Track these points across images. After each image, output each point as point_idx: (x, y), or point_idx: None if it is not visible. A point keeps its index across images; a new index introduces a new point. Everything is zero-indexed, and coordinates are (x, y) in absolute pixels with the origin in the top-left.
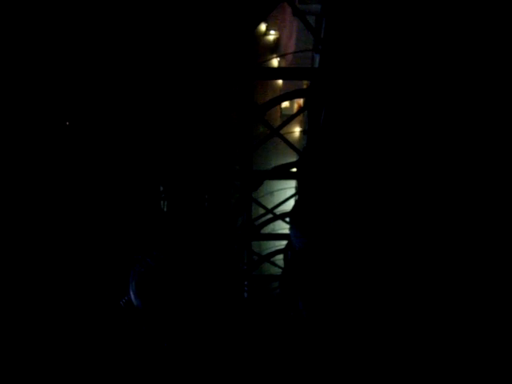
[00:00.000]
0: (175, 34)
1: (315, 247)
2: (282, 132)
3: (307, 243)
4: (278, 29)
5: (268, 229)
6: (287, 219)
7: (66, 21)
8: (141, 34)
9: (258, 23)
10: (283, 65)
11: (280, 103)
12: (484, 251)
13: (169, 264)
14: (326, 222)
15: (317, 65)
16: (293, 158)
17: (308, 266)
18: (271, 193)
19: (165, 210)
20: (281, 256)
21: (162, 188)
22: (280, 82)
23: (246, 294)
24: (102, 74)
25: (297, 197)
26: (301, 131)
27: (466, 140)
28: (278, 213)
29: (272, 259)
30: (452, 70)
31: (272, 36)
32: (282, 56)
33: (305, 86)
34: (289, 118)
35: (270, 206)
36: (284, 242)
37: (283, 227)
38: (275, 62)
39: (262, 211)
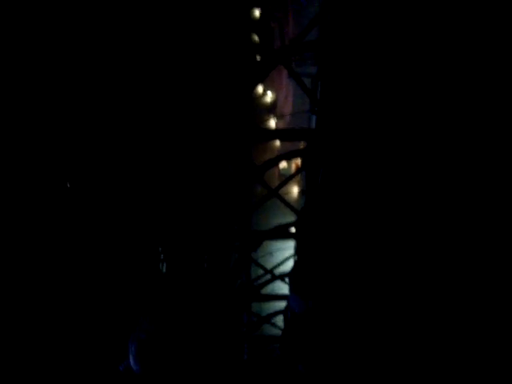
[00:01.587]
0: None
1: (314, 313)
2: (280, 192)
3: (306, 309)
4: (275, 90)
5: (268, 289)
6: (287, 279)
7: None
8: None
9: (255, 86)
10: (281, 125)
11: (278, 164)
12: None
13: (168, 329)
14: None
15: (313, 125)
16: (291, 218)
17: (307, 330)
18: (270, 253)
19: (164, 271)
20: (281, 317)
21: (160, 249)
22: (278, 141)
23: (245, 356)
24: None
25: (296, 257)
26: (299, 191)
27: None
28: (277, 273)
29: (272, 320)
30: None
31: (269, 97)
32: (279, 117)
33: (302, 146)
34: (287, 179)
35: (269, 267)
36: (284, 303)
37: (283, 287)
38: (273, 123)
39: (261, 271)
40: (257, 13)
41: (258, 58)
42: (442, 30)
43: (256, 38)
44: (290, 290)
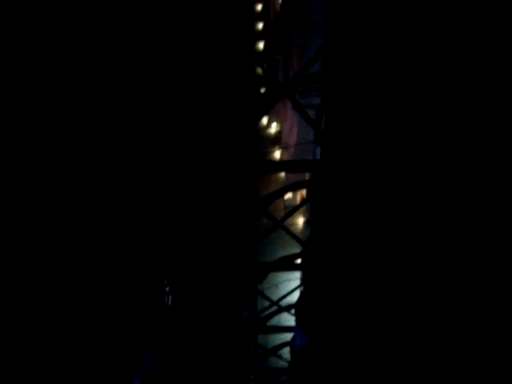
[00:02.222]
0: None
1: (319, 348)
2: (285, 223)
3: (312, 344)
4: (280, 121)
5: (274, 321)
6: (293, 311)
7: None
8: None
9: (261, 118)
10: (286, 156)
11: (283, 195)
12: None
13: (173, 364)
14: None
15: (318, 157)
16: (297, 249)
17: (312, 364)
18: (276, 285)
19: (169, 304)
20: (287, 349)
21: (166, 281)
22: (283, 173)
23: None
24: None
25: (302, 288)
26: (304, 222)
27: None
28: (283, 305)
29: (278, 352)
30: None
31: (274, 128)
32: (284, 148)
33: (307, 177)
34: (292, 210)
35: (275, 298)
36: (290, 335)
37: (289, 319)
38: (278, 154)
39: (267, 303)
40: (261, 45)
41: (263, 89)
42: (437, 66)
43: (260, 70)
44: (296, 322)
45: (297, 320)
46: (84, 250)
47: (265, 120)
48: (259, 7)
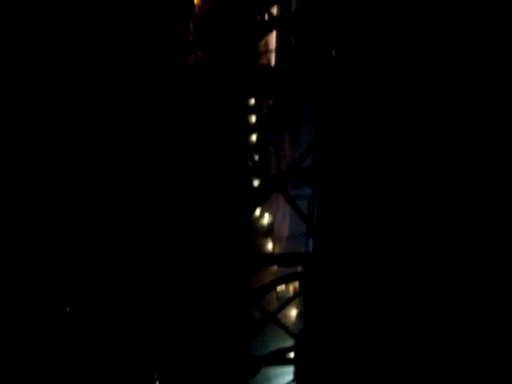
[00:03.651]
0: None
1: None
2: (278, 315)
3: None
4: (273, 212)
5: None
6: None
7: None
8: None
9: (253, 212)
10: (278, 248)
11: (276, 287)
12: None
13: None
14: None
15: (310, 249)
16: (290, 342)
17: None
18: (269, 380)
19: None
20: None
21: (156, 376)
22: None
23: None
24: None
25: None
26: (297, 314)
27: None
28: None
29: None
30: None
31: (266, 220)
32: (276, 240)
33: (300, 268)
34: (285, 303)
35: None
36: None
37: None
38: (270, 245)
39: None
40: (253, 137)
41: (255, 180)
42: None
43: (253, 161)
44: None
45: None
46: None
47: (257, 211)
48: (252, 101)
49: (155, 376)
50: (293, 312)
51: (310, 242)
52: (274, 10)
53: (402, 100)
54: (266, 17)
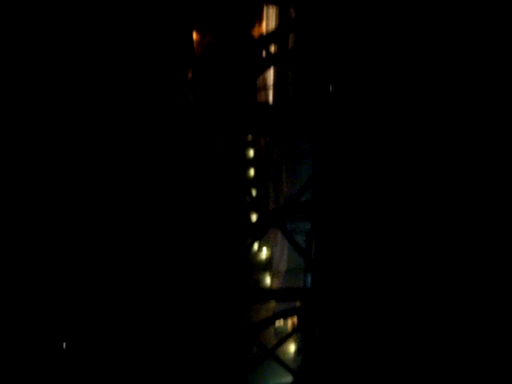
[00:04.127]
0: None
1: None
2: (276, 351)
3: None
4: (270, 245)
5: None
6: None
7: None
8: None
9: (251, 247)
10: (276, 282)
11: (274, 322)
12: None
13: None
14: None
15: (308, 284)
16: (289, 378)
17: None
18: None
19: None
20: None
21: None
22: None
23: None
24: None
25: None
26: (295, 350)
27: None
28: None
29: None
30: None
31: (264, 254)
32: (274, 274)
33: (298, 303)
34: (283, 339)
35: None
36: None
37: None
38: (268, 280)
39: None
40: (251, 172)
41: (253, 214)
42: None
43: (251, 195)
44: None
45: None
46: None
47: (255, 245)
48: (250, 136)
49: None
50: (291, 347)
51: (308, 277)
52: (272, 47)
53: (398, 136)
54: (264, 53)
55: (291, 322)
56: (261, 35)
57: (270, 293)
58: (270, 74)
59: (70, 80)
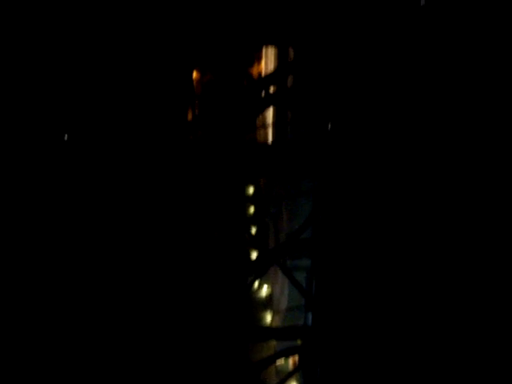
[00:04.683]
0: None
1: None
2: None
3: None
4: (271, 283)
5: None
6: None
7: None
8: None
9: (252, 286)
10: (276, 320)
11: (275, 361)
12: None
13: None
14: None
15: (309, 322)
16: None
17: None
18: None
19: None
20: None
21: None
22: None
23: None
24: None
25: None
26: None
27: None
28: None
29: None
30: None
31: (264, 291)
32: (275, 312)
33: (299, 341)
34: (284, 378)
35: None
36: None
37: None
38: (268, 318)
39: None
40: (251, 209)
41: (253, 252)
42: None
43: (250, 233)
44: None
45: None
46: None
47: (256, 283)
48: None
49: None
50: None
51: (309, 315)
52: (271, 87)
53: (398, 174)
54: (263, 93)
55: (292, 361)
56: (260, 75)
57: (270, 331)
58: (270, 113)
59: (69, 133)
